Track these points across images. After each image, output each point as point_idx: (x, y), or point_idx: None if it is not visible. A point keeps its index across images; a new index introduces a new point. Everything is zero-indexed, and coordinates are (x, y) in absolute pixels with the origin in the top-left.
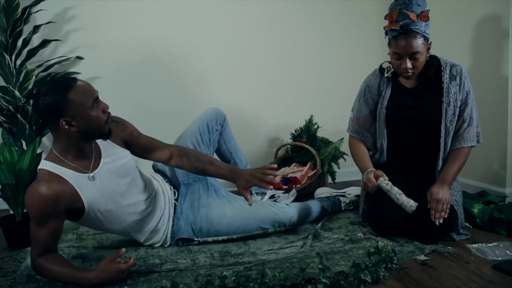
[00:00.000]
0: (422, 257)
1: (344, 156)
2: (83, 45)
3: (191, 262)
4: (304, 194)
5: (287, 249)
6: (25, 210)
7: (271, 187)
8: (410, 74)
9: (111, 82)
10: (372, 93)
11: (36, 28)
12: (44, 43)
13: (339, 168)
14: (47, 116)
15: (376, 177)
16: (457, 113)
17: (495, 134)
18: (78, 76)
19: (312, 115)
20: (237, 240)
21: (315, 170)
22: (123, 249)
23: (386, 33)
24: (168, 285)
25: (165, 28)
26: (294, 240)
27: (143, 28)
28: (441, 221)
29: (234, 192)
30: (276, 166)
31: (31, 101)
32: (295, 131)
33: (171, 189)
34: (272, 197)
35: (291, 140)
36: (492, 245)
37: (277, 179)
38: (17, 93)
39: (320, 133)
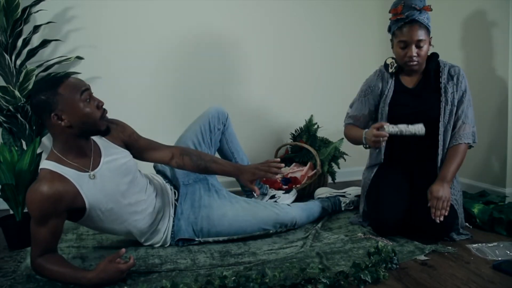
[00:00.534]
0: (422, 257)
1: (344, 156)
2: (83, 45)
3: (191, 262)
4: (304, 194)
5: (287, 249)
6: (25, 210)
7: (279, 176)
8: (415, 63)
9: (111, 82)
10: (374, 93)
11: (36, 28)
12: (44, 43)
13: (339, 168)
14: (40, 112)
15: (378, 129)
16: (454, 111)
17: (495, 134)
18: (78, 76)
19: (312, 115)
20: (237, 240)
21: (315, 170)
22: (123, 249)
23: (389, 29)
24: (168, 285)
25: (165, 28)
26: (294, 240)
27: (143, 28)
28: (441, 219)
29: (235, 193)
30: (279, 159)
31: None
32: (295, 131)
33: (171, 190)
34: (272, 197)
35: (291, 140)
36: (492, 245)
37: (279, 177)
38: (17, 93)
39: (320, 133)
